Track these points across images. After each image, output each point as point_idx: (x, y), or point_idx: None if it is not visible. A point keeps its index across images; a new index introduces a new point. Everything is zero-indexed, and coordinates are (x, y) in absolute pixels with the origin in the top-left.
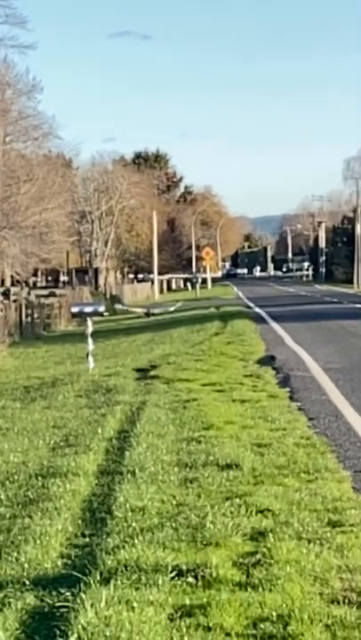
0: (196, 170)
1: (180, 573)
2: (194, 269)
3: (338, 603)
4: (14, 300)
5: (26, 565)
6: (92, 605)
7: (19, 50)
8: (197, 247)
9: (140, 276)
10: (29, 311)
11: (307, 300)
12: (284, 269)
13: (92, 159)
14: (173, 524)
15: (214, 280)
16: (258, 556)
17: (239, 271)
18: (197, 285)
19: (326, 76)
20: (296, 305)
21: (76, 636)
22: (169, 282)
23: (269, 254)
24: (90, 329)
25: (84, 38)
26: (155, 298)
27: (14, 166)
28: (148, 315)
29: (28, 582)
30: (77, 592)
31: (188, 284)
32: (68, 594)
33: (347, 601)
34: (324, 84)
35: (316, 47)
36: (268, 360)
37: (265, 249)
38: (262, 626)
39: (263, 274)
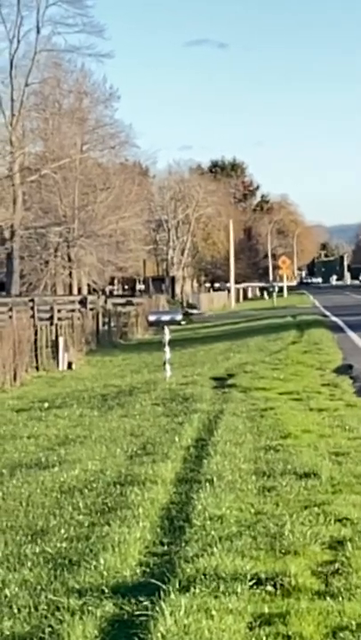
0: (271, 178)
1: (259, 582)
2: (270, 278)
3: None
4: (91, 309)
5: (105, 573)
6: (171, 613)
7: (96, 58)
8: (273, 256)
9: (217, 284)
10: (106, 319)
11: None
12: None
13: (168, 168)
14: (252, 533)
15: (290, 289)
16: (337, 565)
17: (314, 280)
18: (274, 294)
19: None
20: None
21: None
22: (245, 290)
23: (346, 263)
24: (167, 337)
25: (161, 46)
26: (231, 307)
27: (91, 175)
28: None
29: (107, 590)
30: (156, 600)
31: (265, 293)
32: (147, 602)
33: None
34: None
35: None
36: (345, 369)
37: (341, 258)
38: (342, 635)
39: (340, 282)
